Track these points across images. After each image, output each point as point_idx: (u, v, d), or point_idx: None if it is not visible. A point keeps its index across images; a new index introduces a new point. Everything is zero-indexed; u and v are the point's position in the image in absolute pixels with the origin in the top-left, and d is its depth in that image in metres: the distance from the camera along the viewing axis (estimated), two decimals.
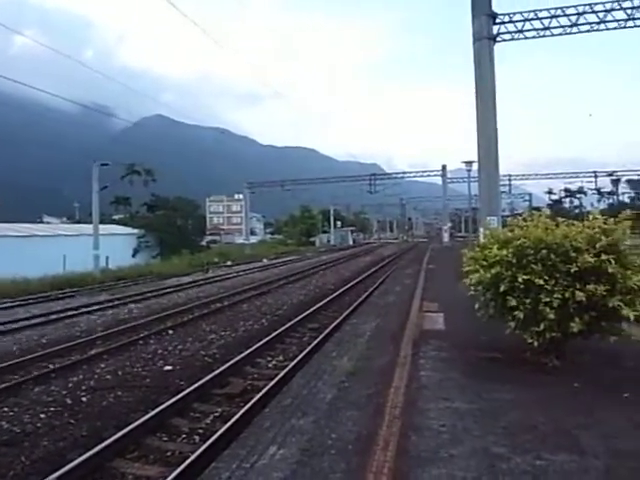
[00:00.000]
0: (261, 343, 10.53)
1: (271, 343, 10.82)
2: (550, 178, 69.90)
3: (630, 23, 16.86)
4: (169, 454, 5.80)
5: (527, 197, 78.72)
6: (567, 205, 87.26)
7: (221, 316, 14.87)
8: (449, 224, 77.43)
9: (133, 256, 43.81)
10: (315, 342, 10.37)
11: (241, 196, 73.27)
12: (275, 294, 19.78)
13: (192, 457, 5.33)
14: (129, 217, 61.65)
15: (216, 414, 6.97)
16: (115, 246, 37.35)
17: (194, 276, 29.03)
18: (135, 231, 48.13)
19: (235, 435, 5.13)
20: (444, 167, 61.29)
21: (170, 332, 12.51)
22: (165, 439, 6.22)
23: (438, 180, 63.69)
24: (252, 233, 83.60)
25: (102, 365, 9.55)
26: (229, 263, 38.05)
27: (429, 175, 65.11)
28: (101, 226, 32.69)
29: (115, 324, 13.75)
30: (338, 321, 12.48)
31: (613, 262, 5.51)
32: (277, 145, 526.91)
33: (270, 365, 9.50)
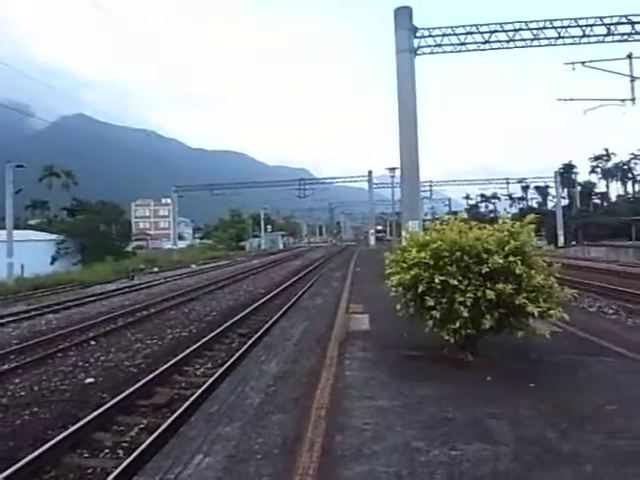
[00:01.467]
0: (189, 351, 10.37)
1: (199, 350, 10.68)
2: (467, 184, 75.32)
3: (535, 42, 18.34)
4: (90, 471, 5.59)
5: (447, 202, 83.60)
6: (483, 209, 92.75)
7: (147, 324, 14.44)
8: (380, 227, 79.60)
9: (52, 263, 41.27)
10: (244, 347, 10.35)
11: (169, 200, 71.35)
12: (204, 300, 19.48)
13: (115, 473, 5.18)
14: (47, 222, 58.09)
15: (141, 426, 6.79)
16: (31, 253, 35.09)
17: (118, 283, 27.95)
18: (54, 237, 45.35)
19: (162, 446, 5.03)
20: (370, 173, 63.82)
21: (92, 343, 12.00)
22: (86, 456, 5.98)
23: (365, 185, 65.69)
24: (180, 238, 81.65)
25: (16, 380, 9.00)
26: (156, 269, 36.93)
27: (356, 180, 67.15)
28: (15, 232, 30.73)
29: (31, 336, 12.97)
30: (268, 325, 12.51)
31: (519, 263, 5.96)
32: (207, 149, 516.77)
33: (198, 373, 9.39)
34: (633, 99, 18.83)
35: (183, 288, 23.28)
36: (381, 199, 79.64)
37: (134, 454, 5.59)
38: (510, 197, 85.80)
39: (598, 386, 5.70)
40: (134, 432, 6.59)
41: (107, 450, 6.10)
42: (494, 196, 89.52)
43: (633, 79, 18.47)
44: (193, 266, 41.25)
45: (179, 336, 12.74)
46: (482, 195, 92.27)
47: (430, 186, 68.89)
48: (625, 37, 18.08)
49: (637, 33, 17.90)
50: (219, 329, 12.56)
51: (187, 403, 7.11)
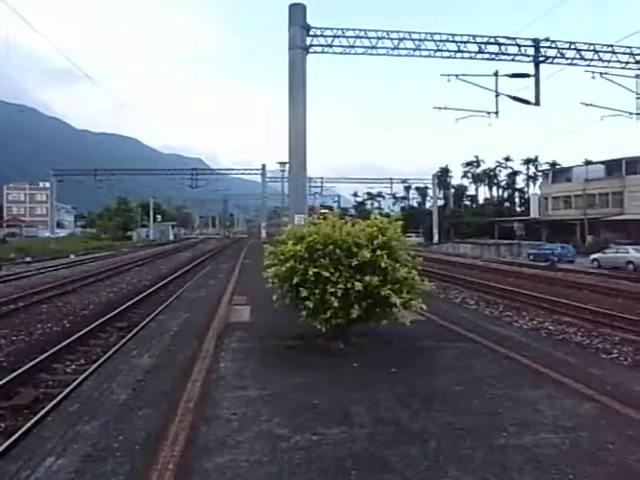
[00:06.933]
0: (59, 347, 9.70)
1: (72, 346, 10.03)
2: (356, 182, 79.38)
3: (417, 53, 19.62)
4: None
5: (336, 198, 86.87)
6: (369, 207, 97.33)
7: (14, 319, 13.21)
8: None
9: None
10: (122, 342, 9.91)
11: (47, 184, 65.77)
12: (81, 293, 18.27)
13: None
14: None
15: None
16: None
17: None
18: None
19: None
20: (264, 166, 64.13)
21: None
22: None
23: (260, 178, 65.62)
24: (60, 226, 75.80)
25: None
26: (28, 259, 33.88)
27: (250, 173, 67.11)
28: None
29: None
30: (149, 319, 12.09)
31: (385, 257, 6.37)
32: (94, 131, 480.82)
33: (69, 370, 8.83)
34: (497, 112, 20.99)
35: (59, 280, 21.62)
36: (275, 192, 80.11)
37: None
38: (394, 196, 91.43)
39: (450, 369, 6.29)
40: None
41: None
42: (379, 194, 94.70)
43: (497, 94, 20.52)
44: (72, 256, 38.46)
45: (50, 331, 11.86)
46: (369, 193, 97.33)
47: (322, 182, 71.32)
48: (493, 56, 20.07)
49: (503, 54, 19.98)
50: (96, 323, 11.89)
51: (53, 403, 6.66)
